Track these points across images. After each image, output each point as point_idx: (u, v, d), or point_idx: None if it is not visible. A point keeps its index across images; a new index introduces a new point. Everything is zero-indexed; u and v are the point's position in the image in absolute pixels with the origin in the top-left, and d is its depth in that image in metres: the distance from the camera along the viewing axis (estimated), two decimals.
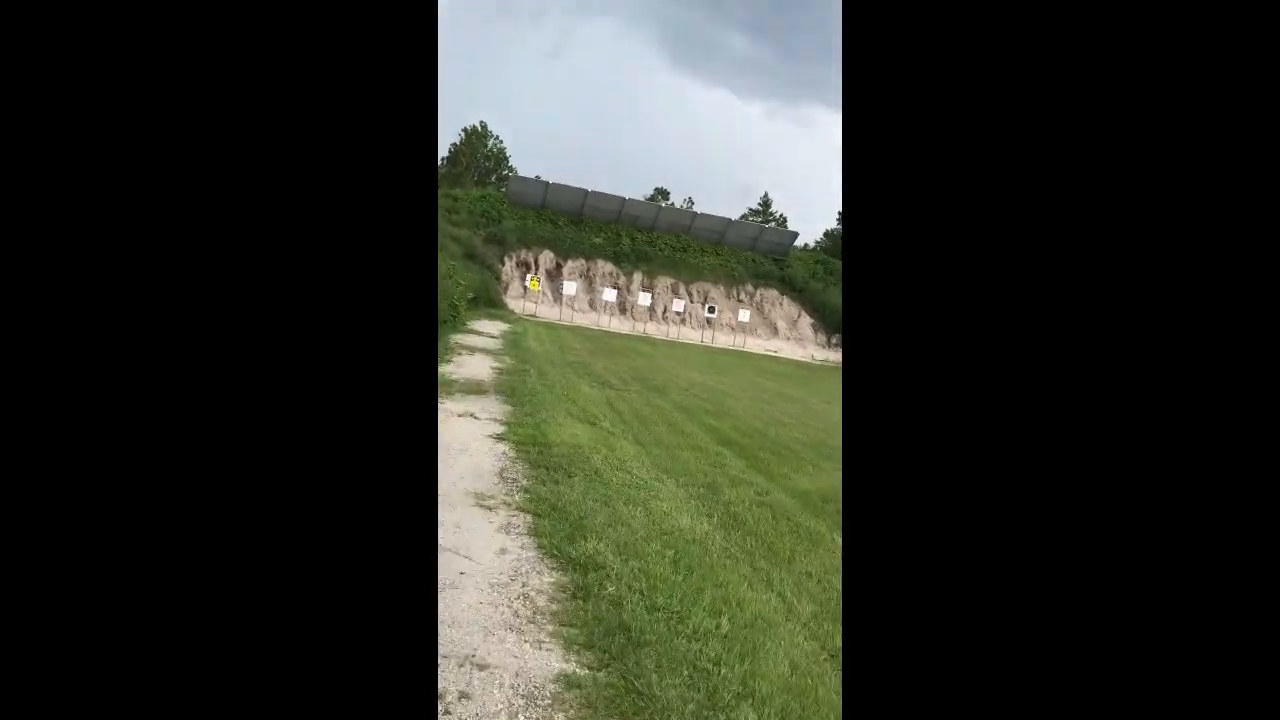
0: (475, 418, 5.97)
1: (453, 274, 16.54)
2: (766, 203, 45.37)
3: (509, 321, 19.48)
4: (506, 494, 3.97)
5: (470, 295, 17.28)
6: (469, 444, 5.05)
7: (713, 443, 7.46)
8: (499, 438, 5.38)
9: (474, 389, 7.48)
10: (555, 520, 3.57)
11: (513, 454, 4.94)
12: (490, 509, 3.67)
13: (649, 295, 28.77)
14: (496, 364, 10.00)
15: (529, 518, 3.62)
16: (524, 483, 4.24)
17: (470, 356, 10.38)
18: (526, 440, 5.33)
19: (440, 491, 3.81)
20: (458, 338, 12.71)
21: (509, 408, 6.73)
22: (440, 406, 6.22)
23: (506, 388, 7.84)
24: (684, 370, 15.29)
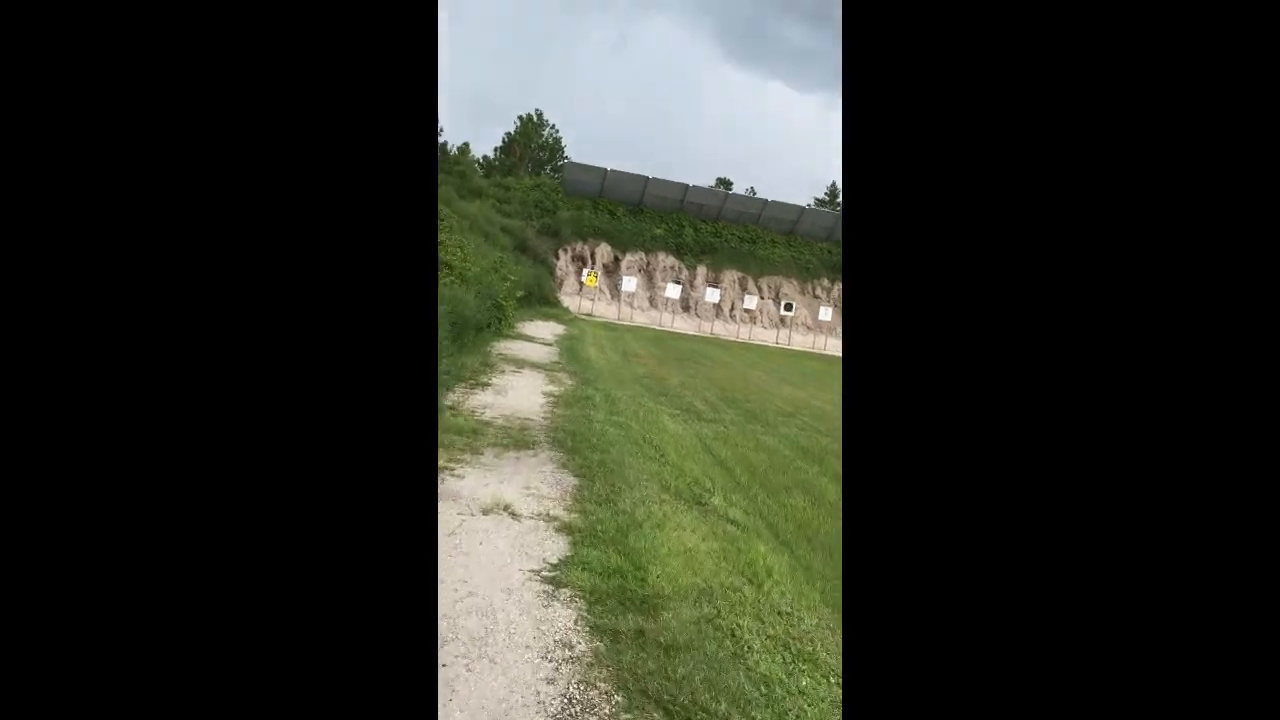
0: (515, 516, 3.45)
1: (500, 268, 14.18)
2: (834, 192, 42.21)
3: (564, 322, 17.06)
4: None
5: (520, 292, 14.91)
6: (494, 602, 2.53)
7: None
8: (556, 576, 2.85)
9: (516, 439, 4.97)
10: None
11: (584, 639, 2.39)
12: None
13: (716, 291, 26.07)
14: (550, 387, 7.52)
15: None
16: None
17: (517, 375, 7.92)
18: (609, 586, 2.78)
19: None
20: (503, 346, 10.26)
21: (570, 479, 4.21)
22: (458, 485, 3.74)
23: (564, 434, 5.33)
24: (774, 384, 12.60)
